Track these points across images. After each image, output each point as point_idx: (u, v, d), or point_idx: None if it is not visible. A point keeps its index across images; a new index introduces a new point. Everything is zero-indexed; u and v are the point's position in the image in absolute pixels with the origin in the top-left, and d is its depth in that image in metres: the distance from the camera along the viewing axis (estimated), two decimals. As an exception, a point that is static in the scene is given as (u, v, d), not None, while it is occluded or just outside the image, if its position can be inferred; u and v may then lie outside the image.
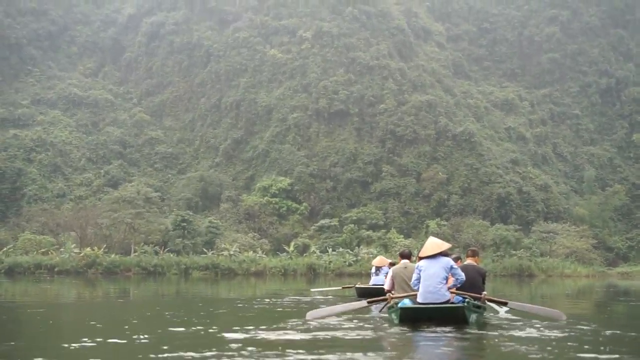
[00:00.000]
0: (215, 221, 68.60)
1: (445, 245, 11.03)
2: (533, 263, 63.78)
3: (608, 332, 10.68)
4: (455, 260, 12.44)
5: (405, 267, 12.27)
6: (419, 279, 10.89)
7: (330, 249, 64.24)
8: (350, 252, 63.44)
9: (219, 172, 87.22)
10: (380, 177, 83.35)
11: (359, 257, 61.25)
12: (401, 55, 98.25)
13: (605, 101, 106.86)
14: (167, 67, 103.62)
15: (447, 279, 10.75)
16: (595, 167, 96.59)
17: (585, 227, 75.78)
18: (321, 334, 9.75)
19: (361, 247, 65.18)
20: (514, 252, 65.89)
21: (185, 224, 65.07)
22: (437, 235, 66.75)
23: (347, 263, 60.19)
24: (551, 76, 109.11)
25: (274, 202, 78.84)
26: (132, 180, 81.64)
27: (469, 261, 12.40)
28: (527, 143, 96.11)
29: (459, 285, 11.09)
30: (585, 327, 10.94)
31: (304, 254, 64.13)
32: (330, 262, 59.87)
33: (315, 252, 63.80)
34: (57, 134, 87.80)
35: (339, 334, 9.87)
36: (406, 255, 12.76)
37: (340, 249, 64.15)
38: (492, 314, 12.96)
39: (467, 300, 10.79)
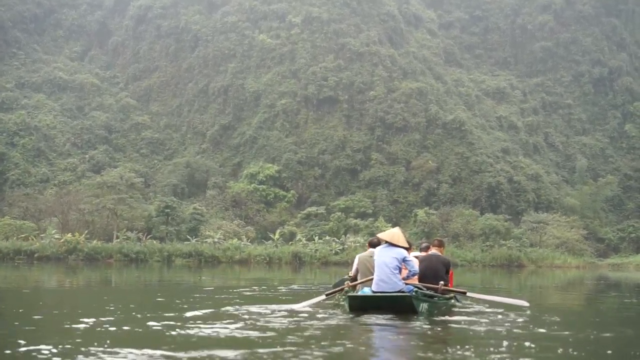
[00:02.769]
0: (199, 208, 67.57)
1: (403, 242, 10.95)
2: (523, 253, 63.25)
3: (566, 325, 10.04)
4: (425, 249, 12.94)
5: (371, 256, 11.79)
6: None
7: (317, 237, 63.23)
8: (337, 240, 62.45)
9: (206, 158, 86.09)
10: (369, 165, 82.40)
11: (346, 246, 60.26)
12: (392, 41, 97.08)
13: (598, 91, 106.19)
14: (155, 52, 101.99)
15: (400, 269, 10.72)
16: (587, 157, 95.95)
17: (576, 217, 75.26)
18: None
19: (348, 235, 64.18)
20: (503, 242, 65.32)
21: (169, 210, 63.99)
22: (425, 223, 66.21)
23: (333, 252, 59.25)
24: (543, 65, 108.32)
25: (261, 189, 77.81)
26: (117, 165, 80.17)
27: (434, 251, 12.31)
28: (518, 132, 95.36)
29: (411, 277, 11.09)
30: (548, 320, 10.61)
31: (290, 242, 63.10)
32: (316, 250, 58.94)
33: (301, 241, 62.76)
34: (42, 118, 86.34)
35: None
36: (374, 245, 12.27)
37: (327, 237, 63.12)
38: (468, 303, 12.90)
39: (414, 289, 10.62)
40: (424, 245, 13.16)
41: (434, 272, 11.55)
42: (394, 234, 11.09)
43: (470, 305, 12.57)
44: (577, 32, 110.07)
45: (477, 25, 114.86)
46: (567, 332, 9.06)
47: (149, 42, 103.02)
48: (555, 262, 62.70)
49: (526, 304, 11.49)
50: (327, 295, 11.39)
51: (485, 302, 12.52)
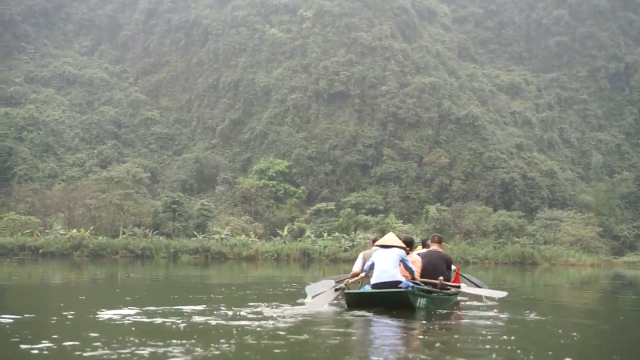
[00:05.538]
0: (207, 204, 66.69)
1: (400, 242, 11.24)
2: (536, 251, 62.09)
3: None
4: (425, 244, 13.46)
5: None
6: (372, 265, 11.08)
7: (326, 234, 62.21)
8: (347, 237, 61.35)
9: (215, 153, 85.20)
10: (380, 160, 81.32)
11: (355, 243, 59.09)
12: (404, 36, 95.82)
13: (614, 86, 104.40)
14: (165, 46, 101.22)
15: (399, 264, 10.90)
16: (603, 154, 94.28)
17: (591, 214, 73.92)
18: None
19: (358, 232, 63.15)
20: (516, 239, 64.10)
21: (176, 206, 63.21)
22: (437, 220, 65.14)
23: (342, 248, 58.14)
24: (559, 60, 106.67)
25: (271, 185, 76.87)
26: (126, 161, 79.53)
27: (434, 247, 12.40)
28: (532, 128, 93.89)
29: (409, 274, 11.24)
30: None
31: (299, 239, 62.14)
32: (325, 247, 57.92)
33: (310, 237, 61.76)
34: (50, 113, 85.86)
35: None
36: None
37: (336, 234, 62.07)
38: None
39: (411, 285, 10.56)
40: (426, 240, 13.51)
41: (434, 268, 11.64)
42: (391, 238, 11.40)
43: (473, 303, 12.21)
44: (593, 26, 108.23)
45: (491, 19, 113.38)
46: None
47: (159, 36, 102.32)
48: (569, 259, 61.50)
49: (503, 294, 12.34)
50: (336, 290, 11.30)
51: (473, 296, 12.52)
